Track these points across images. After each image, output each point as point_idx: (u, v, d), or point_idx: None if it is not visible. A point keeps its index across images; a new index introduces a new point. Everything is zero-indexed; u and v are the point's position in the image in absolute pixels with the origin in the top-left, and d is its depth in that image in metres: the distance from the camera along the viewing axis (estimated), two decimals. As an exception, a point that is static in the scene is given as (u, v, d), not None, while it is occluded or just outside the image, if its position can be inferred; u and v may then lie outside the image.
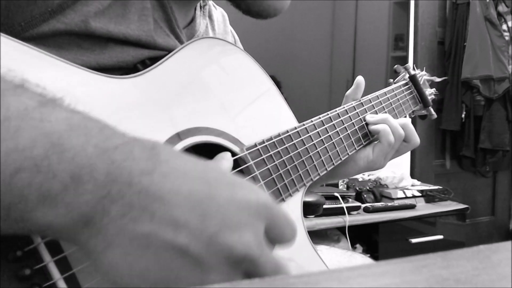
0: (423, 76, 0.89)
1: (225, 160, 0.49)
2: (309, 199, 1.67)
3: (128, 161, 0.32)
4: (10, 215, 0.30)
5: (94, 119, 0.33)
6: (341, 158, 0.64)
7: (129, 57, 0.48)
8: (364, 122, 0.71)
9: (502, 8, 2.49)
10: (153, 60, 0.49)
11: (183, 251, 0.32)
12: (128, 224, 0.31)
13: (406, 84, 0.84)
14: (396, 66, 0.87)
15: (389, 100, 0.77)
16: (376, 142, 0.72)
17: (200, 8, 0.65)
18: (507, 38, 2.47)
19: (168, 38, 0.52)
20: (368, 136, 0.71)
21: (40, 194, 0.30)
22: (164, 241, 0.31)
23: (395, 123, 0.71)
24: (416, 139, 0.75)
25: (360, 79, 0.75)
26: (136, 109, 0.45)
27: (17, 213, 0.30)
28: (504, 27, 2.48)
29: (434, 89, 0.90)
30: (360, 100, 0.72)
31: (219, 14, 0.73)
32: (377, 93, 0.76)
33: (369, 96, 0.74)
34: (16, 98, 0.31)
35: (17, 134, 0.30)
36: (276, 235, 0.36)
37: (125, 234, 0.31)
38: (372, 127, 0.71)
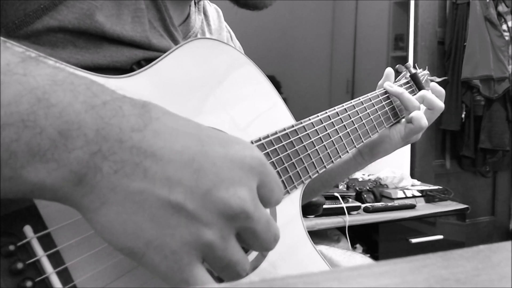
0: (425, 75, 0.89)
1: None
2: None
3: (117, 117, 0.31)
4: (1, 172, 0.30)
5: (81, 75, 0.33)
6: (340, 156, 0.64)
7: (124, 57, 0.48)
8: (364, 120, 0.70)
9: (502, 8, 2.49)
10: (149, 62, 0.49)
11: (178, 207, 0.32)
12: (122, 180, 0.31)
13: (407, 82, 0.84)
14: (397, 65, 0.87)
15: (389, 98, 0.78)
16: (407, 122, 0.77)
17: (195, 4, 0.65)
18: (507, 38, 2.47)
19: (162, 38, 0.52)
20: (369, 133, 0.71)
21: (29, 149, 0.29)
22: (158, 198, 0.31)
23: (433, 97, 0.78)
24: (439, 104, 0.79)
25: (388, 70, 0.81)
26: None
27: (8, 171, 0.30)
28: (504, 27, 2.48)
29: None
30: (359, 99, 0.72)
31: (213, 10, 0.73)
32: (377, 92, 0.76)
33: (369, 95, 0.74)
34: None
35: (0, 89, 0.29)
36: (266, 193, 0.36)
37: (119, 190, 0.31)
38: (409, 116, 0.76)
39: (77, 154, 0.30)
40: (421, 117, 0.75)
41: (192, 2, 0.64)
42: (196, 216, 0.32)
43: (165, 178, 0.32)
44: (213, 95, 0.52)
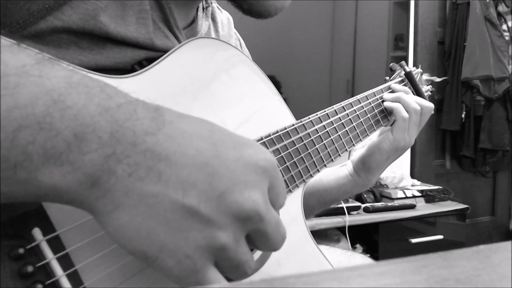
0: (419, 73, 0.89)
1: None
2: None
3: (131, 120, 0.32)
4: (16, 175, 0.29)
5: (95, 78, 0.33)
6: (340, 155, 0.65)
7: (127, 58, 0.48)
8: (360, 120, 0.71)
9: (502, 8, 2.49)
10: (151, 61, 0.49)
11: (193, 211, 0.32)
12: (136, 184, 0.31)
13: (402, 81, 0.84)
14: (391, 64, 0.87)
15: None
16: (393, 122, 0.74)
17: (203, 9, 0.65)
18: (507, 38, 2.47)
19: (166, 39, 0.52)
20: (366, 132, 0.71)
21: (44, 152, 0.29)
22: (172, 202, 0.31)
23: (408, 99, 0.74)
24: (415, 107, 0.74)
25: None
26: None
27: (23, 173, 0.29)
28: (504, 27, 2.48)
29: (430, 86, 0.90)
30: (357, 97, 0.72)
31: (224, 17, 0.73)
32: (374, 90, 0.77)
33: (366, 93, 0.75)
34: (13, 55, 0.31)
35: (16, 90, 0.29)
36: (273, 196, 0.36)
37: (133, 194, 0.31)
38: (386, 104, 0.75)
39: (91, 157, 0.30)
40: (400, 109, 0.73)
41: (200, 8, 0.64)
42: (210, 220, 0.32)
43: (179, 182, 0.32)
44: (214, 94, 0.52)
